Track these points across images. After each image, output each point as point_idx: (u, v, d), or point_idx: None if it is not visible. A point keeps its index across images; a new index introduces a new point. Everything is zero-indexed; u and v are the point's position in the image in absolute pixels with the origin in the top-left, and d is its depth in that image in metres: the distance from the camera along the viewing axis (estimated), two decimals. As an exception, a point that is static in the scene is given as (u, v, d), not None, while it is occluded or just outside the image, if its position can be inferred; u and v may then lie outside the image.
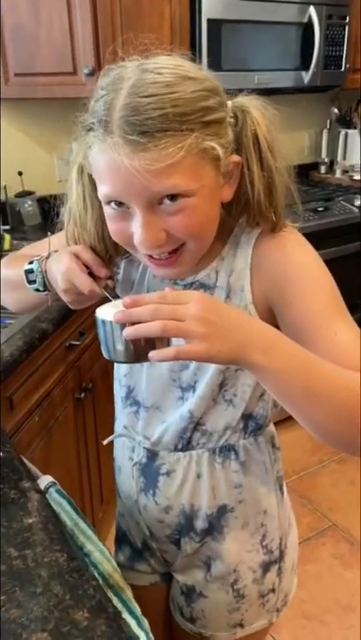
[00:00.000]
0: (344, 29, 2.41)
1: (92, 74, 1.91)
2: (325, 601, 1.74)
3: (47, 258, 0.82)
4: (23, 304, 0.93)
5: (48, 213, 2.18)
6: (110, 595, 0.69)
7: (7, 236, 1.87)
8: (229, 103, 0.71)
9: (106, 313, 0.64)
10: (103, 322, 0.64)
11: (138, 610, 0.70)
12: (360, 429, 0.62)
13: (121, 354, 0.64)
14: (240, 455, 0.86)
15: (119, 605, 0.68)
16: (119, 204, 0.67)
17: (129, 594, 0.72)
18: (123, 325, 0.61)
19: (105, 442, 0.96)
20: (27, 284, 0.83)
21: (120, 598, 0.70)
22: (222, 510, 0.88)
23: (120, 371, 0.91)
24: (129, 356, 0.64)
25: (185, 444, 0.85)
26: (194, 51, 2.18)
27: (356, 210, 2.47)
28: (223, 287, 0.78)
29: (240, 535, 0.89)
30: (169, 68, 0.64)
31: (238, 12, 2.06)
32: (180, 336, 0.58)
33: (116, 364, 0.91)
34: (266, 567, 0.91)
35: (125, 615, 0.68)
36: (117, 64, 0.68)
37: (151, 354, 0.59)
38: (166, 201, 0.65)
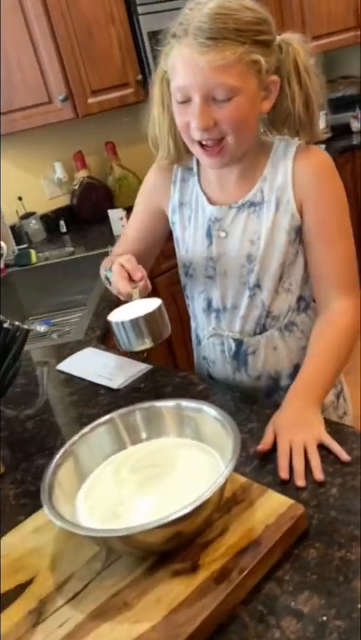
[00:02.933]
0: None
1: (66, 99, 2.22)
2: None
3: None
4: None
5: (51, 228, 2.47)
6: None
7: (32, 252, 2.15)
8: (278, 37, 0.92)
9: (117, 315, 0.92)
10: (116, 324, 0.91)
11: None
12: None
13: (135, 343, 0.92)
14: (299, 327, 1.10)
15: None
16: (183, 101, 0.89)
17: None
18: (133, 322, 0.89)
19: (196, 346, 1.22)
20: (109, 287, 1.07)
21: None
22: (298, 367, 1.06)
23: (195, 289, 1.14)
24: (143, 342, 0.92)
25: (261, 328, 1.09)
26: (141, 61, 2.49)
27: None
28: (271, 201, 1.00)
29: None
30: (236, 1, 0.87)
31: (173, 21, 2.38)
32: None
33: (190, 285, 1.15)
34: (337, 396, 1.16)
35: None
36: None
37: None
38: (219, 97, 0.87)
